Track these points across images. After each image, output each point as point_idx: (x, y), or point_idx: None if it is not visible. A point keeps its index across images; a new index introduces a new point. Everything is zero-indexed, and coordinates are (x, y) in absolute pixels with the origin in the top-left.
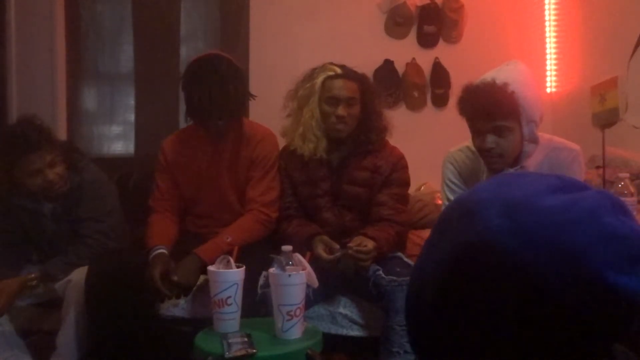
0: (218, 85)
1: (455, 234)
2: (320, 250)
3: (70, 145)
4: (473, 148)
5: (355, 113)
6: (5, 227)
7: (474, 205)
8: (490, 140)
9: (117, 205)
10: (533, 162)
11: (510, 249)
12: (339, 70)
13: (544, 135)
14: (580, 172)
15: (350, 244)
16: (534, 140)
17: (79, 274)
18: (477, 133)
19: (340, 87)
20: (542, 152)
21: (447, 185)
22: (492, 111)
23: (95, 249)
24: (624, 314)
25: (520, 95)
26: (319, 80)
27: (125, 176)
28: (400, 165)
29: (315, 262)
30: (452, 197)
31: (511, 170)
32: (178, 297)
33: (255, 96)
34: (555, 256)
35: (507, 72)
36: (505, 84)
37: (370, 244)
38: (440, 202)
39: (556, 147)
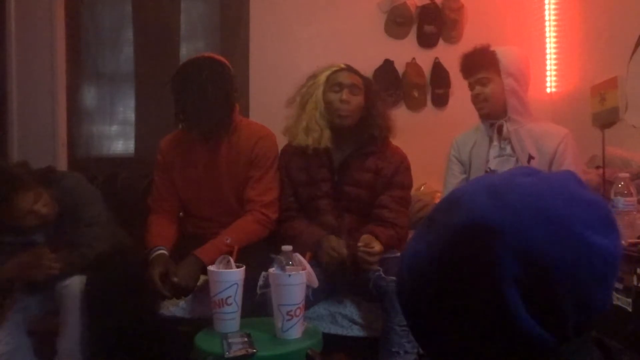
0: (198, 92)
1: (445, 221)
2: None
3: (45, 169)
4: (474, 128)
5: (359, 103)
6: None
7: (460, 195)
8: (477, 89)
9: (102, 208)
10: (523, 134)
11: (497, 221)
12: (343, 66)
13: (539, 119)
14: (574, 155)
15: (359, 244)
16: (516, 94)
17: (77, 279)
18: (470, 89)
19: (345, 76)
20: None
21: (449, 167)
22: (473, 65)
23: (87, 256)
24: (602, 272)
25: (499, 53)
26: (324, 75)
27: (112, 176)
28: (403, 167)
29: (317, 263)
30: (450, 180)
31: (502, 121)
32: (178, 298)
33: (238, 94)
34: (539, 220)
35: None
36: (488, 46)
37: (377, 247)
38: None
39: (543, 127)
